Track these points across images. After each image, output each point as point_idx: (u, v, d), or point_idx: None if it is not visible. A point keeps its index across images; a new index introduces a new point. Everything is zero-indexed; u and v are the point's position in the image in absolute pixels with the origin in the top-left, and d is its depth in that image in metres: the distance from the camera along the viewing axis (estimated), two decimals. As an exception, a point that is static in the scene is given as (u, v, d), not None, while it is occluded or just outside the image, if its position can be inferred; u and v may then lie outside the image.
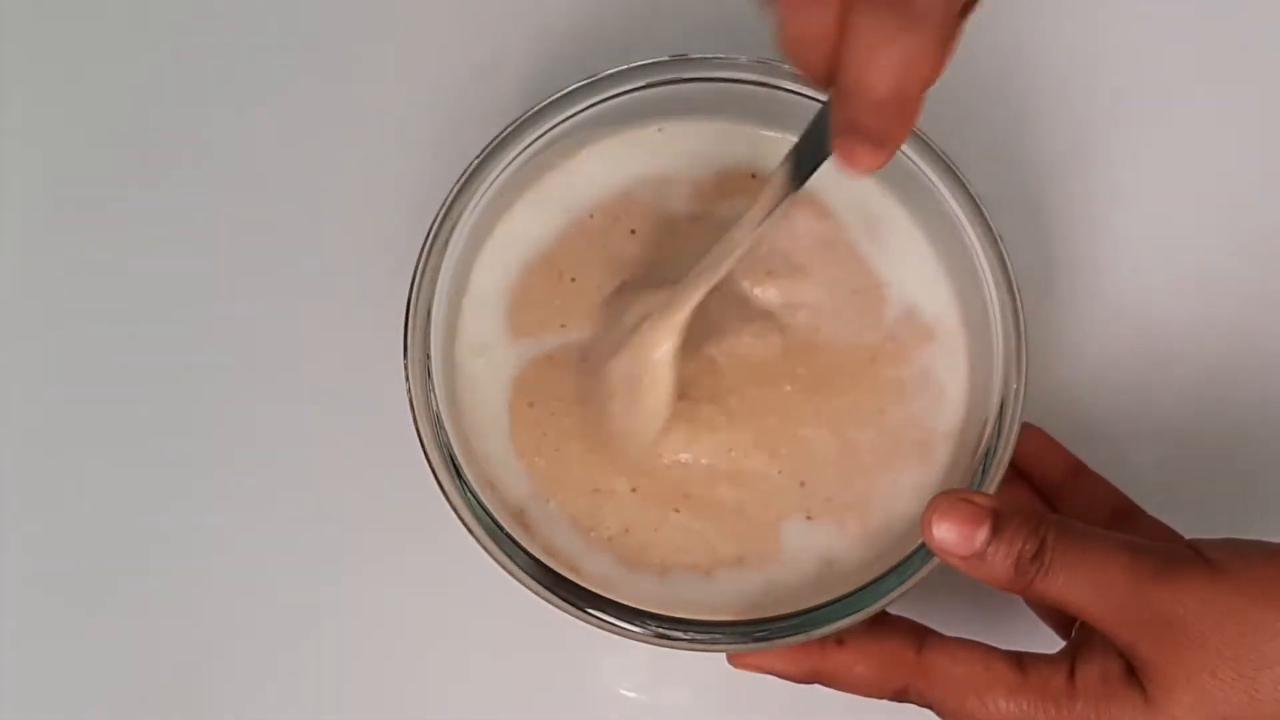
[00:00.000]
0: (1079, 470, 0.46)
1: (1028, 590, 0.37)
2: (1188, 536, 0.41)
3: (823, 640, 0.40)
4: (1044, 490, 0.46)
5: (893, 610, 0.41)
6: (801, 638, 0.40)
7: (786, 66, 0.44)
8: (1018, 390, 0.42)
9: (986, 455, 0.42)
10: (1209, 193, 0.52)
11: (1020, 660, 0.38)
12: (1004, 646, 0.39)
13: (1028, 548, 0.37)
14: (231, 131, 0.53)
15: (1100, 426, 0.44)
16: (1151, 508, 0.44)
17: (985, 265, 0.43)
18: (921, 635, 0.40)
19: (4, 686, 0.49)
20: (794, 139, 0.38)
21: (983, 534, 0.38)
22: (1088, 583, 0.36)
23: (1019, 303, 0.43)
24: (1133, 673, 0.36)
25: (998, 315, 0.43)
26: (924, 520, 0.38)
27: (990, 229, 0.43)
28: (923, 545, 0.40)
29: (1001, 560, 0.38)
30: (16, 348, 0.51)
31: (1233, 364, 0.51)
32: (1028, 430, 0.43)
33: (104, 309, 0.51)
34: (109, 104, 0.53)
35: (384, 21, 0.54)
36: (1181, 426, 0.50)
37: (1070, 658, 0.38)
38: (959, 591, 0.44)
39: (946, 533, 0.38)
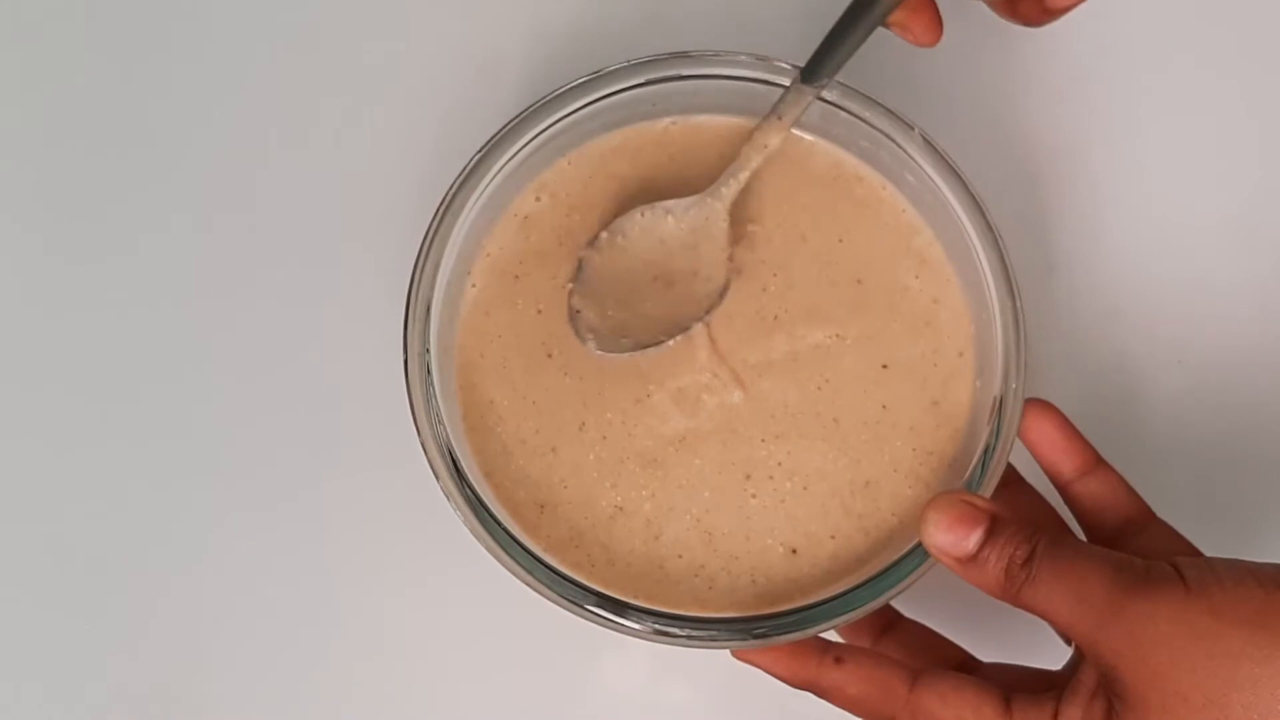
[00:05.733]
0: (1096, 465, 0.44)
1: (1016, 598, 0.37)
2: (1188, 535, 0.41)
3: (821, 654, 0.40)
4: (1055, 481, 0.45)
5: (893, 606, 0.41)
6: (800, 635, 0.40)
7: (786, 64, 0.44)
8: (1016, 390, 0.42)
9: (985, 453, 0.42)
10: (1209, 192, 0.52)
11: (1009, 703, 0.38)
12: (1002, 644, 0.39)
13: (1019, 553, 0.37)
14: (230, 131, 0.53)
15: (1099, 426, 0.44)
16: (1152, 507, 0.44)
17: (985, 265, 0.43)
18: (916, 671, 0.40)
19: (4, 687, 0.49)
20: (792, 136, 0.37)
21: (977, 535, 0.38)
22: (1071, 594, 0.36)
23: (1019, 303, 0.43)
24: (1113, 714, 0.36)
25: (998, 315, 0.43)
26: (922, 518, 0.38)
27: (991, 229, 0.43)
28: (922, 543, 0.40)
29: (994, 565, 0.37)
30: (18, 350, 0.51)
31: (1234, 364, 0.51)
32: (1044, 412, 0.42)
33: (101, 309, 0.51)
34: (107, 101, 0.53)
35: (384, 20, 0.54)
36: (1182, 427, 0.50)
37: (1055, 701, 0.38)
38: (959, 591, 0.44)
39: (944, 532, 0.38)
